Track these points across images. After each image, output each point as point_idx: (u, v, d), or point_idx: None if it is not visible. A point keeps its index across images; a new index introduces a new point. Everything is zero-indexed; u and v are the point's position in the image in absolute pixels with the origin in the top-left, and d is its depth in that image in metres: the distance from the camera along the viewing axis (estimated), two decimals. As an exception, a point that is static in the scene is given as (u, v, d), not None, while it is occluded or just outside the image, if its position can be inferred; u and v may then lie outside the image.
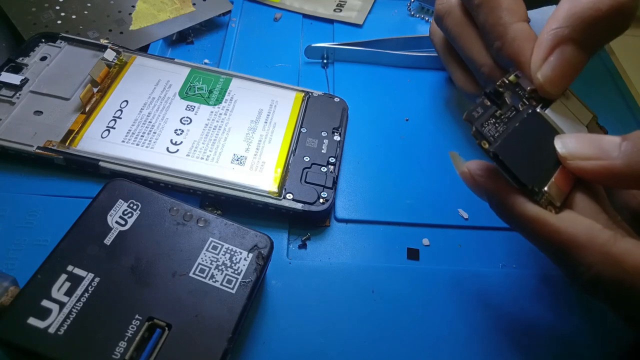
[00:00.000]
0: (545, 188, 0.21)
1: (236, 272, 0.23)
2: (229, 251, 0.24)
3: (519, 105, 0.23)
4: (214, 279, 0.23)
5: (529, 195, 0.21)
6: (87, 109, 0.31)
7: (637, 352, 0.26)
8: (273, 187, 0.28)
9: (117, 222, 0.24)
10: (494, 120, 0.22)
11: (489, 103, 0.22)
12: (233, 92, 0.33)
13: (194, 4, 0.39)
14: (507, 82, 0.23)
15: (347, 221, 0.30)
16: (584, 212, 0.21)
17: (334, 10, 0.43)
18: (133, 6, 0.38)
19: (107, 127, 0.30)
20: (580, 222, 0.20)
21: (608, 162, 0.20)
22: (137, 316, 0.21)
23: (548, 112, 0.23)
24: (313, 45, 0.38)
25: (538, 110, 0.23)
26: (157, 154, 0.29)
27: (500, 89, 0.23)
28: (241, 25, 0.41)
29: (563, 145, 0.22)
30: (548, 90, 0.23)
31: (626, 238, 0.19)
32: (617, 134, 0.25)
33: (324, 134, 0.32)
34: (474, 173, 0.23)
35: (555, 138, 0.22)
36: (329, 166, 0.30)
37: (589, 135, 0.22)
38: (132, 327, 0.21)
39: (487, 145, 0.21)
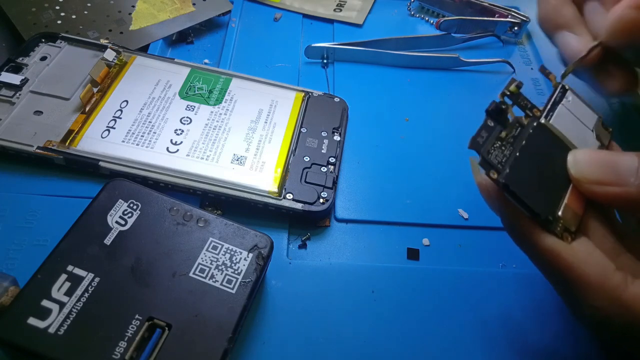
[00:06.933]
0: (560, 213, 0.20)
1: (236, 272, 0.23)
2: (229, 251, 0.24)
3: (524, 119, 0.22)
4: (214, 279, 0.23)
5: (543, 225, 0.20)
6: (87, 109, 0.31)
7: None
8: (273, 187, 0.28)
9: (117, 222, 0.24)
10: (499, 143, 0.20)
11: (492, 123, 0.21)
12: (233, 92, 0.33)
13: (194, 4, 0.39)
14: (508, 92, 0.22)
15: (347, 221, 0.30)
16: (595, 236, 0.20)
17: (334, 10, 0.43)
18: (133, 6, 0.38)
19: (107, 127, 0.30)
20: (594, 261, 0.19)
21: (624, 190, 0.19)
22: (137, 316, 0.21)
23: (553, 122, 0.22)
24: (313, 45, 0.38)
25: (543, 121, 0.22)
26: (157, 154, 0.29)
27: (503, 106, 0.21)
28: (241, 25, 0.41)
29: (575, 165, 0.21)
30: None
31: (638, 281, 0.19)
32: (616, 135, 0.25)
33: (324, 134, 0.32)
34: (491, 189, 0.21)
35: (568, 155, 0.21)
36: (329, 166, 0.30)
37: (603, 156, 0.21)
38: (132, 327, 0.21)
39: (495, 176, 0.20)
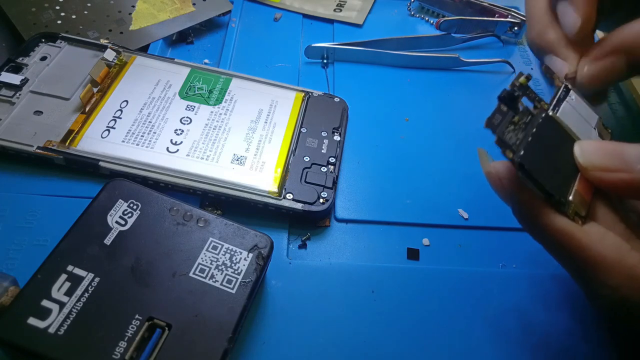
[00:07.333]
0: (570, 197, 0.20)
1: (236, 272, 0.23)
2: (229, 251, 0.24)
3: (533, 109, 0.22)
4: (214, 279, 0.23)
5: (556, 206, 0.20)
6: (87, 109, 0.31)
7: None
8: (273, 187, 0.28)
9: (117, 222, 0.24)
10: (512, 127, 0.21)
11: (505, 109, 0.21)
12: (233, 92, 0.33)
13: (194, 4, 0.39)
14: (517, 84, 0.22)
15: (347, 221, 0.30)
16: (604, 223, 0.20)
17: (334, 10, 0.43)
18: (133, 6, 0.38)
19: (107, 127, 0.30)
20: (609, 240, 0.19)
21: (630, 176, 0.19)
22: (137, 316, 0.21)
23: (560, 116, 0.23)
24: (313, 45, 0.38)
25: (550, 113, 0.23)
26: (157, 154, 0.29)
27: (515, 93, 0.22)
28: (241, 25, 0.41)
29: (583, 154, 0.21)
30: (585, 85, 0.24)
31: None
32: (617, 136, 0.25)
33: (324, 134, 0.32)
34: (502, 176, 0.22)
35: (575, 145, 0.22)
36: (329, 166, 0.30)
37: (610, 144, 0.21)
38: (132, 327, 0.21)
39: (511, 155, 0.20)
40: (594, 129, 0.24)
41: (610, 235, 0.20)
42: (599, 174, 0.20)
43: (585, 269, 0.20)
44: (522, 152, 0.20)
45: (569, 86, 0.25)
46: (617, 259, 0.19)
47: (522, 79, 0.22)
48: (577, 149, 0.21)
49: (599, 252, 0.19)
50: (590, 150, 0.21)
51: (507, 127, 0.21)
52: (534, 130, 0.21)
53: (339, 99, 0.34)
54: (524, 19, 0.42)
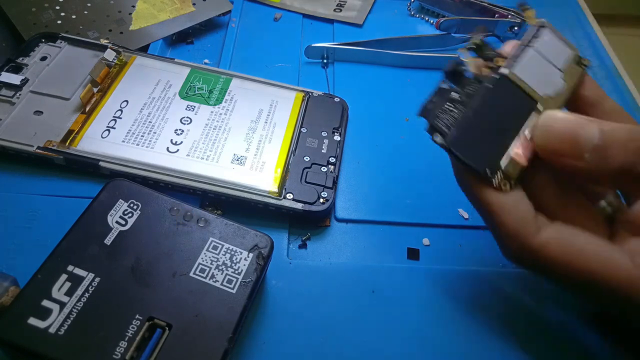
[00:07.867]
0: (502, 163, 0.21)
1: (236, 272, 0.23)
2: (229, 251, 0.24)
3: (484, 70, 0.22)
4: (214, 279, 0.23)
5: (484, 179, 0.21)
6: (87, 109, 0.31)
7: (600, 321, 0.26)
8: (273, 187, 0.28)
9: (117, 222, 0.24)
10: (452, 105, 0.21)
11: (446, 85, 0.22)
12: (233, 92, 0.33)
13: (194, 4, 0.39)
14: (474, 46, 0.22)
15: (347, 221, 0.30)
16: (537, 184, 0.22)
17: (334, 10, 0.43)
18: (133, 6, 0.38)
19: (107, 127, 0.30)
20: (519, 209, 0.21)
21: (576, 163, 0.20)
22: (137, 316, 0.21)
23: (517, 71, 0.22)
24: (313, 45, 0.38)
25: (504, 71, 0.22)
26: (157, 154, 0.29)
27: (459, 68, 0.22)
28: (241, 25, 0.41)
29: (540, 130, 0.21)
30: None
31: (548, 227, 0.20)
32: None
33: (324, 133, 0.32)
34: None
35: (540, 117, 0.21)
36: (329, 166, 0.30)
37: (569, 124, 0.21)
38: (133, 327, 0.21)
39: (440, 139, 0.21)
40: (561, 71, 0.23)
41: (523, 204, 0.21)
42: (548, 154, 0.21)
43: (495, 232, 0.22)
44: (451, 135, 0.20)
45: (545, 24, 0.24)
46: (517, 229, 0.20)
47: (477, 40, 0.23)
48: (541, 122, 0.21)
49: (505, 220, 0.21)
50: (549, 126, 0.21)
51: (442, 107, 0.21)
52: (476, 100, 0.21)
53: (339, 99, 0.34)
54: (524, 18, 0.42)
